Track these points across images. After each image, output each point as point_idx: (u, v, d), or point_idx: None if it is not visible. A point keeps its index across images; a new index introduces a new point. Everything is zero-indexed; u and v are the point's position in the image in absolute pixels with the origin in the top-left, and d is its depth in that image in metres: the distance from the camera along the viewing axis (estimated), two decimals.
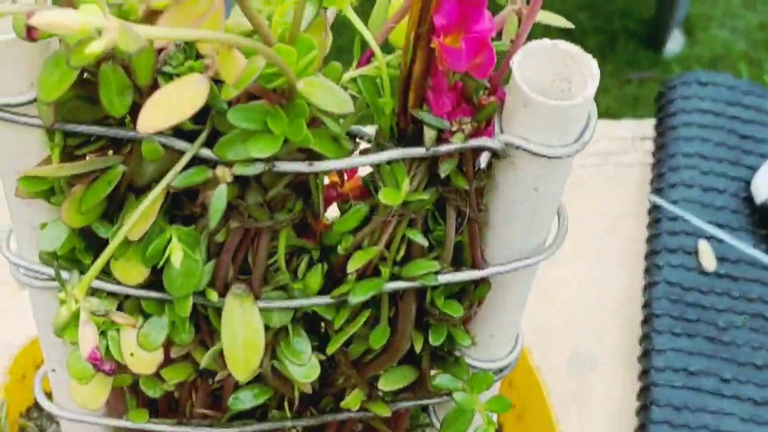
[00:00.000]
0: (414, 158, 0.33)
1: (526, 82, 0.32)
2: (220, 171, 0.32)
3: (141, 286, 0.37)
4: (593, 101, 0.33)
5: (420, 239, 0.35)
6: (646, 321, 0.70)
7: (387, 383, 0.42)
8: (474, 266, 0.36)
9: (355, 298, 0.36)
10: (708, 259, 0.72)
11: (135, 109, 0.33)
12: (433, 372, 0.42)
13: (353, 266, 0.35)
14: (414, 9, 0.31)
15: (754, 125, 0.79)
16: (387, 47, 0.33)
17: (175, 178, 0.32)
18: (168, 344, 0.40)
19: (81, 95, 0.32)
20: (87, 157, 0.34)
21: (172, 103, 0.29)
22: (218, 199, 0.32)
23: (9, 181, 0.35)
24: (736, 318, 0.70)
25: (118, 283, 0.37)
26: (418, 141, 0.33)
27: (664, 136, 0.78)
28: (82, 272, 0.36)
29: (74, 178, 0.34)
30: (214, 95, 0.32)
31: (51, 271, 0.37)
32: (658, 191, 0.75)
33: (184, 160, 0.32)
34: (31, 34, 0.28)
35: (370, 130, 0.36)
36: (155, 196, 0.32)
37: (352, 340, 0.39)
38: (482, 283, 0.37)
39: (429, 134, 0.33)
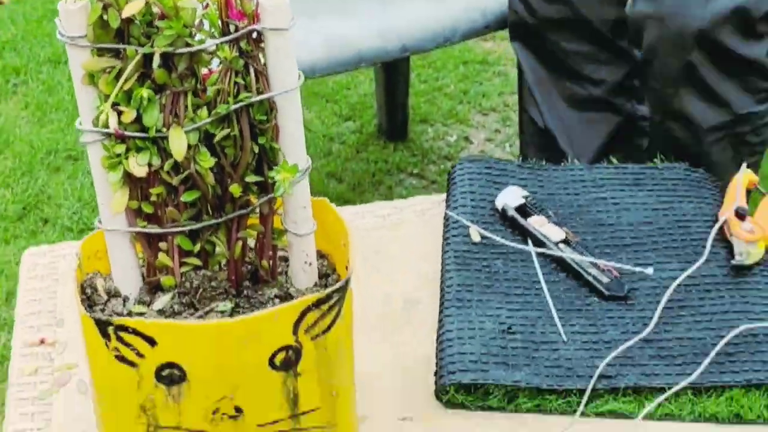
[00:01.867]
0: (229, 41, 0.84)
1: (264, 2, 0.84)
2: (156, 49, 0.83)
3: (134, 131, 0.86)
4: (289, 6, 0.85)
5: (241, 81, 0.85)
6: (442, 269, 1.17)
7: (250, 178, 0.89)
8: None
9: (221, 111, 0.85)
10: (475, 235, 1.20)
11: (123, 35, 0.84)
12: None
13: (215, 89, 0.84)
14: None
15: (501, 176, 1.29)
16: None
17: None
18: (149, 168, 0.88)
19: (101, 32, 0.83)
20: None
21: (132, 6, 0.80)
22: (156, 58, 0.82)
23: (77, 79, 0.85)
24: (494, 262, 1.17)
25: (125, 130, 0.86)
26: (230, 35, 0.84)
27: (451, 188, 1.28)
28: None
29: (103, 70, 0.84)
30: (152, 31, 0.83)
31: (99, 129, 0.86)
32: (448, 211, 1.24)
33: (143, 50, 0.83)
34: None
35: None
36: (134, 64, 0.83)
37: (226, 149, 0.88)
38: (274, 107, 0.87)
39: (232, 29, 0.84)
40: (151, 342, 0.87)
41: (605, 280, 1.13)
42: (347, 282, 0.90)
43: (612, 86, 1.58)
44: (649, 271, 1.13)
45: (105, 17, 0.82)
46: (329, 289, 0.89)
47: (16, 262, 2.06)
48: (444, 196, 1.31)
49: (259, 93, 0.86)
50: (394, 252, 1.22)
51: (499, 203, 1.23)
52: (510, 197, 1.23)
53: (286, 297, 0.94)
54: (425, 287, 1.17)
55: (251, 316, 0.87)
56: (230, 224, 0.92)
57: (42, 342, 1.12)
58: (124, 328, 0.86)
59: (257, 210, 0.92)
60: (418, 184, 2.32)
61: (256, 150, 0.89)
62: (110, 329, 0.87)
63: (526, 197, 1.23)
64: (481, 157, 1.34)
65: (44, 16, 2.78)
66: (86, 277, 0.95)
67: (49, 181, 2.27)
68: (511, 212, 1.21)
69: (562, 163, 1.33)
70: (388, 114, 2.46)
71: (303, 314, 0.88)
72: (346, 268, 0.96)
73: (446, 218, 1.24)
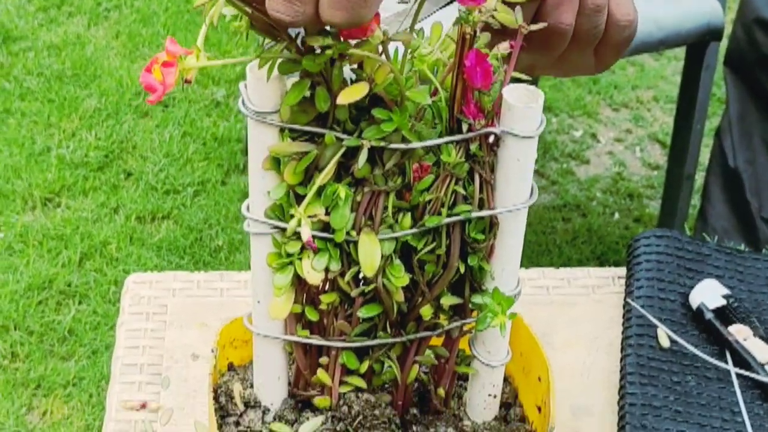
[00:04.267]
0: (458, 141, 0.66)
1: (511, 99, 0.66)
2: (365, 142, 0.65)
3: (316, 230, 0.69)
4: (542, 111, 0.67)
5: (461, 191, 0.68)
6: (622, 379, 1.00)
7: (446, 300, 0.73)
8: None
9: (430, 224, 0.68)
10: (663, 339, 1.02)
11: (324, 119, 0.66)
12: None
13: (428, 197, 0.67)
14: (455, 62, 0.65)
15: (693, 262, 1.11)
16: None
17: (342, 148, 0.65)
18: (326, 273, 0.71)
19: (298, 110, 0.66)
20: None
21: (352, 93, 0.62)
22: (362, 155, 0.65)
23: (256, 161, 0.68)
24: (685, 378, 1.00)
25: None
26: (460, 133, 0.67)
27: (632, 269, 1.10)
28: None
29: (292, 156, 0.67)
30: (362, 115, 0.66)
31: (273, 222, 0.69)
32: (630, 300, 1.06)
33: (349, 142, 0.66)
34: (304, 46, 0.61)
35: None
36: (335, 159, 0.66)
37: (426, 266, 0.71)
38: (494, 223, 0.70)
39: (464, 127, 0.66)
40: None
41: None
42: None
43: None
44: None
45: (307, 94, 0.65)
46: None
47: (94, 220, 1.92)
48: (616, 270, 1.14)
49: (481, 207, 0.69)
50: (560, 339, 1.05)
51: (694, 301, 1.05)
52: (707, 295, 1.05)
53: None
54: (598, 392, 1.00)
55: None
56: (409, 345, 0.75)
57: (143, 407, 0.96)
58: None
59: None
60: (537, 183, 2.14)
61: (462, 270, 0.71)
62: None
63: (727, 297, 1.05)
64: (670, 232, 1.16)
65: None
66: (221, 380, 0.79)
67: (135, 127, 2.11)
68: (709, 315, 1.04)
69: (765, 249, 1.14)
70: None
71: None
72: (538, 409, 0.79)
73: (627, 308, 1.06)
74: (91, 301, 1.75)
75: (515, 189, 0.69)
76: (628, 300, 1.06)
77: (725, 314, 1.04)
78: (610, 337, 1.06)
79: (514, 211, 0.69)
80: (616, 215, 2.06)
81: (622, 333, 1.04)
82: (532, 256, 1.90)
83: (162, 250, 1.86)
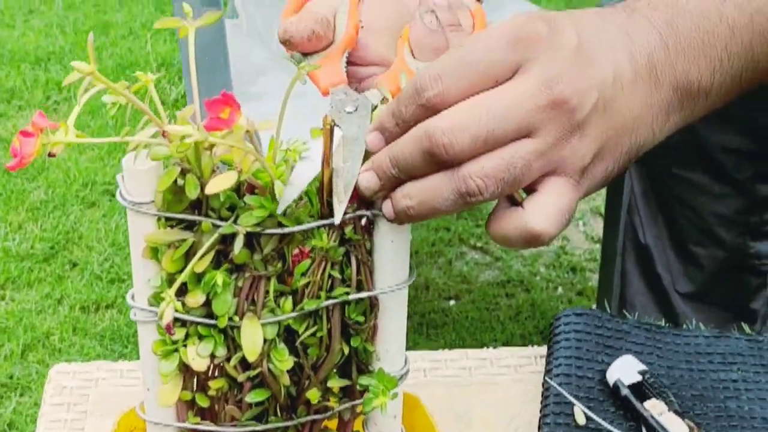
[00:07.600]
0: (331, 225, 0.69)
1: None
2: (240, 228, 0.68)
3: (199, 316, 0.71)
4: None
5: (337, 275, 0.70)
6: None
7: (333, 383, 0.74)
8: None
9: (309, 307, 0.70)
10: (579, 417, 1.04)
11: (201, 206, 0.69)
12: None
13: (305, 281, 0.69)
14: (324, 149, 0.68)
15: (612, 339, 1.13)
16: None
17: (217, 235, 0.68)
18: (212, 359, 0.73)
19: (172, 199, 0.68)
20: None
21: (220, 182, 0.65)
22: (238, 241, 0.68)
23: (137, 251, 0.70)
24: None
25: (187, 313, 0.71)
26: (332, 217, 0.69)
27: (552, 348, 1.13)
28: None
29: (169, 244, 0.69)
30: (237, 202, 0.68)
31: (156, 309, 0.71)
32: (548, 379, 1.09)
33: (224, 229, 0.68)
34: (164, 135, 0.64)
35: None
36: (210, 244, 0.68)
37: (309, 349, 0.73)
38: (375, 304, 0.72)
39: (337, 214, 0.69)
40: None
41: None
42: None
43: (723, 220, 1.42)
44: None
45: (180, 182, 0.67)
46: None
47: (38, 311, 1.93)
48: (539, 349, 1.16)
49: (359, 288, 0.71)
50: (479, 419, 1.07)
51: (611, 377, 1.07)
52: (624, 371, 1.07)
53: None
54: None
55: None
56: (300, 428, 0.77)
57: None
58: None
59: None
60: (481, 260, 2.17)
61: (346, 352, 0.73)
62: None
63: (643, 373, 1.07)
64: (589, 310, 1.18)
65: (96, 26, 2.64)
66: None
67: (82, 217, 2.14)
68: (625, 391, 1.05)
69: (685, 325, 1.17)
70: None
71: None
72: None
73: (545, 386, 1.08)
74: (33, 393, 1.76)
75: (393, 270, 0.71)
76: (546, 378, 1.08)
77: (641, 390, 1.05)
78: (529, 416, 1.08)
79: (392, 292, 0.71)
80: (560, 289, 2.09)
81: (540, 411, 1.06)
82: (475, 333, 1.92)
83: (105, 339, 1.87)
